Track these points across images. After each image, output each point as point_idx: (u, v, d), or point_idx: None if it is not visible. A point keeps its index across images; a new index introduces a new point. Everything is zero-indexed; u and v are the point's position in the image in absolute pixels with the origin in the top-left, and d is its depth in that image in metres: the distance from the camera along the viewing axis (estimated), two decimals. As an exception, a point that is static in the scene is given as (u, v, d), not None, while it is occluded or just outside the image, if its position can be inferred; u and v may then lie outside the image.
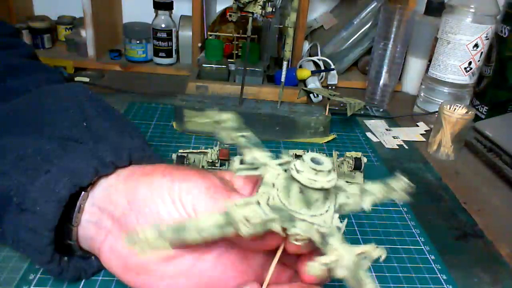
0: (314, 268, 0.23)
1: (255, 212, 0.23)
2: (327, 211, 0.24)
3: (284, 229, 0.23)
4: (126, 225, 0.30)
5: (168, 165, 0.32)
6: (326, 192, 0.24)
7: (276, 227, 0.23)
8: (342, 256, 0.23)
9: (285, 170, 0.26)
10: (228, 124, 0.27)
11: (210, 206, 0.27)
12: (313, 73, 0.83)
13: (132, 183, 0.31)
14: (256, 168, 0.25)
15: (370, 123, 0.73)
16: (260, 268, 0.30)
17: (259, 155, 0.26)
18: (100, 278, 0.36)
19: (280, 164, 0.26)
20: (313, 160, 0.23)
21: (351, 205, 0.25)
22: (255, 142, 0.26)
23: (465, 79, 0.74)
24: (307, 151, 0.53)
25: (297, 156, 0.51)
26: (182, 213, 0.27)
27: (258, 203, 0.23)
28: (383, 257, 0.24)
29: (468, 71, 0.73)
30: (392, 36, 0.76)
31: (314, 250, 0.26)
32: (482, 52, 0.72)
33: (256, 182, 0.30)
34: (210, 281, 0.30)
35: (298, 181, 0.23)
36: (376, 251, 0.24)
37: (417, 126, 0.74)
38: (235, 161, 0.25)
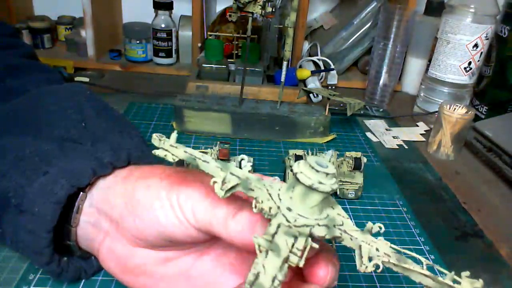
0: (367, 266, 0.23)
1: (292, 235, 0.22)
2: (329, 209, 0.24)
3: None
4: (124, 227, 0.29)
5: (166, 167, 0.31)
6: (327, 198, 0.24)
7: (309, 242, 0.23)
8: (373, 242, 0.23)
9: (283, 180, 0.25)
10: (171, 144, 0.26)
11: (210, 213, 0.26)
12: (313, 73, 0.83)
13: (130, 185, 0.30)
14: (236, 185, 0.24)
15: (370, 123, 0.73)
16: None
17: (228, 169, 0.24)
18: (100, 278, 0.36)
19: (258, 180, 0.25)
20: (317, 163, 0.23)
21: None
22: (207, 157, 0.26)
23: (465, 79, 0.74)
24: (307, 152, 0.53)
25: (297, 157, 0.51)
26: (180, 218, 0.27)
27: (278, 226, 0.23)
28: (383, 229, 0.24)
29: (468, 71, 0.73)
30: (392, 36, 0.76)
31: (317, 255, 0.26)
32: (482, 52, 0.72)
33: None
34: (209, 282, 0.30)
35: (305, 184, 0.22)
36: (375, 226, 0.24)
37: (417, 126, 0.74)
38: (215, 186, 0.24)
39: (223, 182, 0.23)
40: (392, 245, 0.24)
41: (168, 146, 0.25)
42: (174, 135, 0.26)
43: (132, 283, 0.31)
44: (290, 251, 0.22)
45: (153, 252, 0.30)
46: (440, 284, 0.23)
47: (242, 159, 0.25)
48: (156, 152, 0.25)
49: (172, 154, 0.25)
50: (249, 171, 0.25)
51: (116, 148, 0.33)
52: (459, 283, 0.22)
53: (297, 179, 0.22)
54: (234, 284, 0.29)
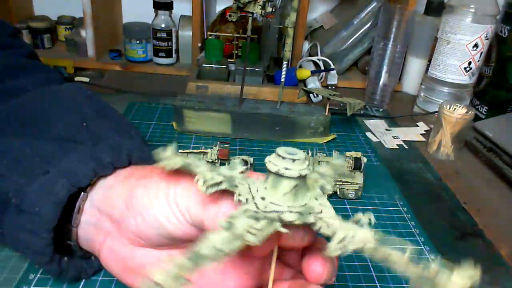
0: (333, 249, 0.23)
1: (255, 218, 0.23)
2: (310, 198, 0.24)
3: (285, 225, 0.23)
4: (125, 227, 0.30)
5: None
6: (304, 182, 0.24)
7: (277, 226, 0.23)
8: (353, 230, 0.23)
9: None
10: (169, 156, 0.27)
11: (202, 210, 0.26)
12: (313, 73, 0.83)
13: (130, 185, 0.30)
14: (220, 183, 0.25)
15: (370, 123, 0.73)
16: (261, 268, 0.30)
17: (215, 171, 0.25)
18: (100, 278, 0.36)
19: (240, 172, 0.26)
20: (286, 152, 0.24)
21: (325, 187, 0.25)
22: (199, 163, 0.27)
23: (465, 79, 0.74)
24: (307, 153, 0.53)
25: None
26: (178, 216, 0.27)
27: (245, 211, 0.23)
28: (373, 219, 0.24)
29: (468, 71, 0.73)
30: (392, 36, 0.76)
31: (310, 244, 0.26)
32: (482, 52, 0.72)
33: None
34: (211, 282, 0.30)
35: (275, 173, 0.23)
36: (365, 217, 0.24)
37: (417, 126, 0.74)
38: (199, 182, 0.25)
39: (206, 179, 0.24)
40: (379, 234, 0.23)
41: (165, 156, 0.27)
42: (172, 147, 0.28)
43: (133, 283, 0.31)
44: (247, 231, 0.22)
45: (154, 252, 0.30)
46: (424, 274, 0.22)
47: (241, 161, 0.26)
48: (158, 164, 0.27)
49: (170, 164, 0.27)
50: (242, 172, 0.26)
51: (116, 148, 0.33)
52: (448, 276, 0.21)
53: (266, 168, 0.23)
54: (235, 283, 0.29)
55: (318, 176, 0.26)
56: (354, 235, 0.23)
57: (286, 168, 0.23)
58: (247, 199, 0.24)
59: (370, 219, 0.24)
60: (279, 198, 0.23)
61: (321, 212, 0.24)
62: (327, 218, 0.24)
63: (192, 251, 0.21)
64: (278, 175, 0.23)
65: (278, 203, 0.23)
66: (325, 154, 0.55)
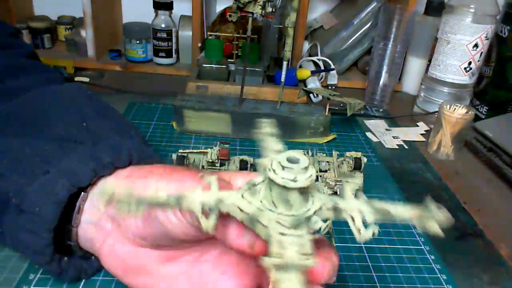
0: (362, 234, 0.23)
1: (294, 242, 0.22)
2: (309, 210, 0.24)
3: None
4: (125, 227, 0.30)
5: (166, 167, 0.31)
6: (305, 191, 0.23)
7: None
8: (357, 206, 0.24)
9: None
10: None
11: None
12: (313, 73, 0.83)
13: (130, 185, 0.30)
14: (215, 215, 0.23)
15: (370, 123, 0.73)
16: (260, 269, 0.30)
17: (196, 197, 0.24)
18: (100, 278, 0.36)
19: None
20: (288, 159, 0.22)
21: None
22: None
23: (465, 79, 0.74)
24: (307, 152, 0.53)
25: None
26: (179, 216, 0.27)
27: (282, 234, 0.22)
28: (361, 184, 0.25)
29: (468, 71, 0.73)
30: (392, 36, 0.76)
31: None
32: (482, 52, 0.72)
33: None
34: (209, 282, 0.30)
35: (276, 183, 0.22)
36: (347, 189, 0.25)
37: (417, 126, 0.74)
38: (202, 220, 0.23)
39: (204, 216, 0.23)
40: (366, 200, 0.24)
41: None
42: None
43: (133, 283, 0.31)
44: (300, 260, 0.21)
45: (154, 252, 0.30)
46: (419, 214, 0.26)
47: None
48: None
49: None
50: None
51: (116, 148, 0.33)
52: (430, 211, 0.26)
53: (270, 178, 0.22)
54: (234, 284, 0.29)
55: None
56: (361, 210, 0.23)
57: (294, 180, 0.22)
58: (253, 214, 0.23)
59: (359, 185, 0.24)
60: (291, 208, 0.23)
61: (329, 204, 0.24)
62: (337, 203, 0.24)
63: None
64: (286, 187, 0.22)
65: (295, 213, 0.22)
66: (325, 154, 0.55)
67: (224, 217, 0.24)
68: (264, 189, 0.23)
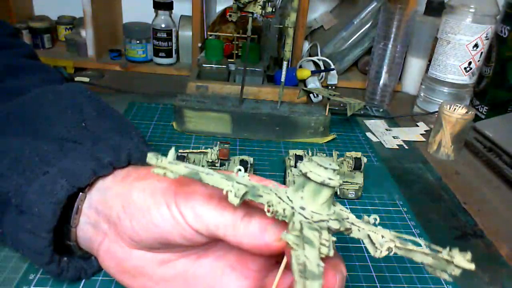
0: (379, 251, 0.25)
1: (314, 229, 0.24)
2: (335, 206, 0.26)
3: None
4: (121, 229, 0.29)
5: None
6: (332, 195, 0.25)
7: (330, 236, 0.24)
8: (379, 231, 0.25)
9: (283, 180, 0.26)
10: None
11: (217, 216, 0.26)
12: (313, 73, 0.83)
13: (127, 186, 0.30)
14: (246, 193, 0.24)
15: (370, 123, 0.73)
16: (259, 272, 0.30)
17: (233, 180, 0.25)
18: (100, 278, 0.36)
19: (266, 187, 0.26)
20: (320, 161, 0.25)
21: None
22: (209, 171, 0.26)
23: (465, 79, 0.74)
24: (307, 153, 0.53)
25: (297, 157, 0.51)
26: (178, 220, 0.27)
27: (301, 223, 0.24)
28: (378, 220, 0.26)
29: (468, 71, 0.73)
30: (392, 36, 0.76)
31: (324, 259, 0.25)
32: (482, 52, 0.72)
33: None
34: (208, 284, 0.30)
35: (316, 181, 0.24)
36: (371, 218, 0.26)
37: (417, 126, 0.74)
38: (229, 195, 0.24)
39: (232, 190, 0.24)
40: (392, 231, 0.26)
41: (166, 164, 0.25)
42: (172, 152, 0.26)
43: (130, 284, 0.31)
44: (320, 243, 0.23)
45: (151, 254, 0.30)
46: (439, 260, 0.25)
47: (239, 170, 0.25)
48: (155, 170, 0.25)
49: (172, 171, 0.25)
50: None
51: (116, 148, 0.33)
52: (453, 257, 0.26)
53: (308, 178, 0.24)
54: (233, 286, 0.29)
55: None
56: (383, 235, 0.25)
57: (330, 178, 0.24)
58: (284, 210, 0.24)
59: (375, 219, 0.26)
60: (318, 207, 0.24)
61: (348, 218, 0.26)
62: (357, 223, 0.25)
63: (303, 271, 0.22)
64: (323, 184, 0.24)
65: (319, 212, 0.24)
66: (325, 154, 0.55)
67: (249, 212, 0.26)
68: (294, 189, 0.25)
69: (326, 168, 0.24)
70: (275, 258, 0.29)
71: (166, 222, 0.27)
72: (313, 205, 0.24)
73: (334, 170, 0.24)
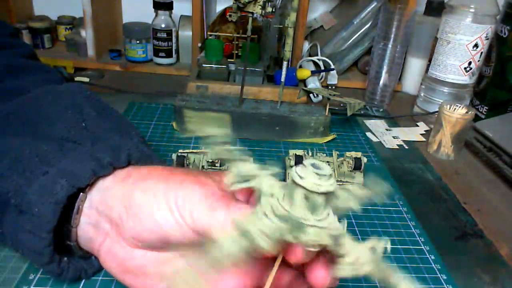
0: (343, 270, 0.23)
1: (268, 224, 0.23)
2: (328, 214, 0.25)
3: (296, 238, 0.23)
4: (123, 229, 0.29)
5: (164, 168, 0.31)
6: (328, 197, 0.24)
7: (289, 237, 0.23)
8: (361, 253, 0.24)
9: (283, 180, 0.26)
10: (216, 139, 0.27)
11: (209, 216, 0.26)
12: (313, 73, 0.83)
13: (128, 186, 0.30)
14: (248, 180, 0.25)
15: (370, 123, 0.73)
16: (260, 270, 0.30)
17: (248, 167, 0.26)
18: (100, 278, 0.36)
19: (271, 175, 0.26)
20: (313, 165, 0.24)
21: (341, 207, 0.25)
22: (242, 156, 0.26)
23: (465, 79, 0.74)
24: (307, 153, 0.53)
25: (297, 157, 0.51)
26: (178, 219, 0.27)
27: (265, 214, 0.23)
28: (389, 246, 0.25)
29: (468, 71, 0.73)
30: (392, 36, 0.76)
31: (317, 256, 0.25)
32: (482, 52, 0.72)
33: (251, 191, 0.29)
34: (209, 282, 0.30)
35: (303, 187, 0.23)
36: (381, 243, 0.25)
37: (417, 126, 0.74)
38: (229, 175, 0.25)
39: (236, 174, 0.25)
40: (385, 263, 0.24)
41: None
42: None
43: (132, 284, 0.31)
44: (259, 236, 0.23)
45: (152, 254, 0.30)
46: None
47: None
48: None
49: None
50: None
51: (116, 148, 0.33)
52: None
53: (294, 182, 0.23)
54: (234, 283, 0.29)
55: (347, 195, 0.26)
56: (364, 262, 0.23)
57: (317, 184, 0.23)
58: (271, 206, 0.24)
59: (386, 247, 0.25)
60: (305, 212, 0.24)
61: (337, 230, 0.24)
62: (343, 238, 0.24)
63: (207, 257, 0.21)
64: (308, 190, 0.23)
65: (304, 217, 0.23)
66: (325, 154, 0.55)
67: None
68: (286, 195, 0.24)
69: (315, 174, 0.23)
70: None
71: (167, 222, 0.27)
72: (298, 208, 0.24)
73: (325, 175, 0.23)
